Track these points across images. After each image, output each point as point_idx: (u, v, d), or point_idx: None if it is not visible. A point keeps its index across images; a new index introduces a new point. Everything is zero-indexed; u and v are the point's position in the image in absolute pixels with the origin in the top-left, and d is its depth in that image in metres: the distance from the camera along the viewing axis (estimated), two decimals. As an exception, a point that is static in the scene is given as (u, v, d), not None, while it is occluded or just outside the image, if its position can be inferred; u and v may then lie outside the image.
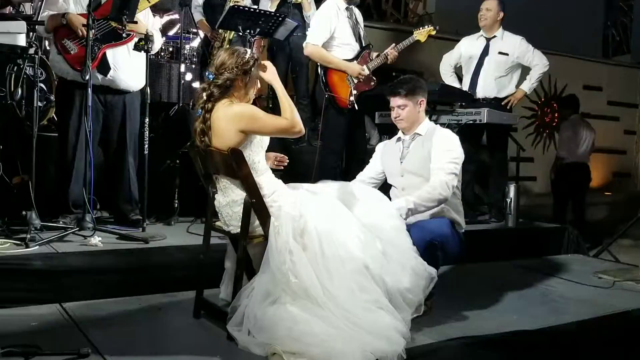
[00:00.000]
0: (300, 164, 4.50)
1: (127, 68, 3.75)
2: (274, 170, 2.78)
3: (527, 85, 4.86)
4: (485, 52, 4.84)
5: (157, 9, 5.04)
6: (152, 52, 3.78)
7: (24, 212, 3.32)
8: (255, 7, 4.75)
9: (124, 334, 2.55)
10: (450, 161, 3.01)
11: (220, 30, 4.72)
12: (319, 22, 4.31)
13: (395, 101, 3.12)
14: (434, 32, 4.44)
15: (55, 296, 2.88)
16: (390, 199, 3.22)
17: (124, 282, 3.07)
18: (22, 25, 3.20)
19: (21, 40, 3.15)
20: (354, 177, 3.34)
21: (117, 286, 3.04)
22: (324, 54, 4.28)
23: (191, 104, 4.82)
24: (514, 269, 4.16)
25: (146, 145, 3.70)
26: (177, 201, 4.15)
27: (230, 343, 2.41)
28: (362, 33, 4.45)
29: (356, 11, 4.49)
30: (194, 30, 5.28)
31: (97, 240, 3.26)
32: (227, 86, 2.60)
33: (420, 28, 4.47)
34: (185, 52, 5.45)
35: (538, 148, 8.13)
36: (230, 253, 2.85)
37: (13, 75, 3.63)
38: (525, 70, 4.92)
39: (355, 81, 4.30)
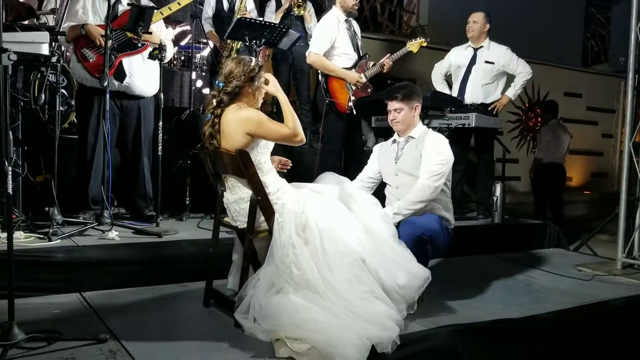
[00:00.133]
0: (302, 164, 4.51)
1: (142, 75, 3.74)
2: (278, 171, 2.79)
3: (512, 92, 4.87)
4: (472, 61, 4.85)
5: (170, 21, 5.05)
6: (165, 61, 3.78)
7: (46, 208, 3.32)
8: (261, 19, 4.76)
9: (139, 321, 2.55)
10: (437, 163, 3.00)
11: (228, 41, 4.73)
12: (321, 33, 4.31)
13: (392, 105, 3.13)
14: (425, 44, 4.45)
15: (75, 286, 2.89)
16: (385, 196, 3.24)
17: (139, 273, 3.07)
18: (45, 35, 3.19)
19: (44, 50, 3.14)
20: (353, 177, 3.34)
21: (133, 277, 3.04)
22: (325, 62, 4.29)
23: (201, 108, 4.82)
24: (499, 262, 4.16)
25: (160, 147, 3.70)
26: (188, 198, 4.15)
27: (237, 330, 2.42)
28: (359, 43, 4.46)
29: (354, 23, 4.50)
30: (204, 40, 5.27)
31: (114, 235, 3.26)
32: (236, 93, 2.60)
33: (413, 40, 4.49)
34: (196, 60, 5.44)
35: (522, 150, 8.13)
36: (238, 246, 2.85)
37: (37, 81, 3.63)
38: (510, 78, 4.92)
39: (354, 88, 4.31)
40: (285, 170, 2.89)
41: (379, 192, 3.27)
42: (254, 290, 2.44)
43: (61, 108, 3.84)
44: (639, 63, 4.11)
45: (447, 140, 3.13)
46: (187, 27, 5.55)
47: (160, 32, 3.89)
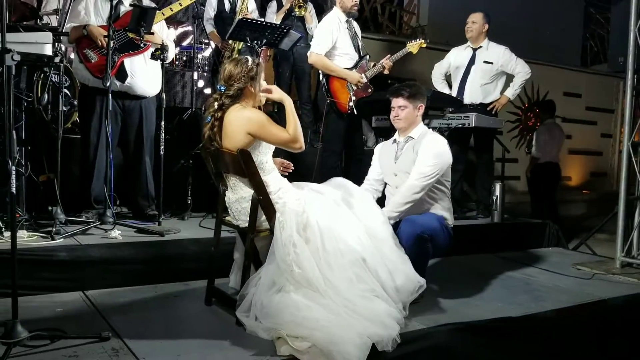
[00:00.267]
0: (302, 164, 4.50)
1: (143, 75, 3.75)
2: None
3: (511, 92, 4.86)
4: (471, 61, 4.84)
5: (171, 21, 5.05)
6: (167, 61, 3.78)
7: (49, 208, 3.33)
8: (262, 19, 4.76)
9: (141, 319, 2.56)
10: (429, 165, 2.99)
11: (230, 41, 4.73)
12: (322, 33, 4.31)
13: (397, 101, 3.13)
14: (424, 45, 4.45)
15: (78, 284, 2.89)
16: (385, 196, 3.24)
17: (142, 271, 3.08)
18: (48, 35, 3.19)
19: (47, 50, 3.14)
20: (353, 176, 3.34)
21: (135, 275, 3.04)
22: (327, 62, 4.29)
23: (203, 108, 4.82)
24: (499, 261, 4.16)
25: (162, 147, 3.70)
26: (190, 198, 4.15)
27: (239, 328, 2.42)
28: (360, 44, 4.47)
29: (355, 24, 4.51)
30: (206, 40, 5.27)
31: (117, 234, 3.27)
32: (239, 94, 2.61)
33: (413, 41, 4.48)
34: (198, 61, 5.44)
35: (522, 150, 8.12)
36: (239, 245, 2.85)
37: (40, 81, 3.64)
38: (509, 78, 4.92)
39: (355, 88, 4.31)
40: (287, 174, 2.89)
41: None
42: (255, 289, 2.44)
43: (64, 108, 3.85)
44: (637, 63, 4.11)
45: (445, 142, 3.12)
46: (189, 28, 5.55)
47: (162, 32, 3.89)
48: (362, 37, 4.55)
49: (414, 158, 3.06)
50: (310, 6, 5.20)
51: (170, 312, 2.72)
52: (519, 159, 7.86)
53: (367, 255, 2.55)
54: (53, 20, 4.78)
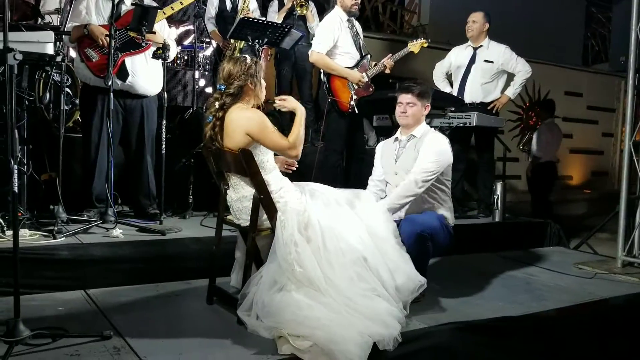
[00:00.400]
0: (303, 163, 4.47)
1: (144, 74, 3.75)
2: (282, 172, 2.79)
3: (511, 91, 4.86)
4: (472, 60, 4.84)
5: (173, 21, 5.05)
6: (169, 60, 3.78)
7: (51, 206, 3.33)
8: (264, 18, 4.76)
9: (143, 318, 2.56)
10: (431, 162, 3.00)
11: (231, 40, 4.73)
12: (323, 32, 4.31)
13: (405, 97, 3.13)
14: (426, 45, 4.45)
15: (80, 283, 2.90)
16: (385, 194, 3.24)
17: (143, 270, 3.08)
18: (50, 35, 3.19)
19: (49, 49, 3.14)
20: (354, 175, 3.34)
21: (136, 274, 3.04)
22: (328, 61, 4.29)
23: (204, 107, 4.82)
24: (500, 260, 4.16)
25: (163, 145, 3.70)
26: (191, 197, 4.15)
27: (240, 327, 2.43)
28: (361, 43, 4.46)
29: (356, 23, 4.50)
30: (207, 40, 5.27)
31: (118, 232, 3.27)
32: (239, 92, 2.61)
33: (414, 40, 4.48)
34: (199, 60, 5.45)
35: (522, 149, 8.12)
36: (240, 244, 2.85)
37: (42, 80, 3.64)
38: (510, 77, 4.91)
39: (356, 87, 4.31)
40: (291, 171, 2.89)
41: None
42: (256, 288, 2.44)
43: (65, 107, 3.85)
44: (639, 62, 4.10)
45: (447, 140, 3.12)
46: (190, 27, 5.55)
47: (163, 31, 3.89)
48: (363, 36, 4.55)
49: (416, 156, 3.06)
50: (311, 5, 5.21)
51: (172, 311, 2.72)
52: (520, 158, 7.84)
53: (368, 254, 2.55)
54: (54, 19, 4.78)
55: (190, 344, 2.30)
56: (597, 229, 4.98)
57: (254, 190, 2.55)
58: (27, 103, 3.21)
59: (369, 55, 4.44)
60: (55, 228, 3.15)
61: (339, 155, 4.47)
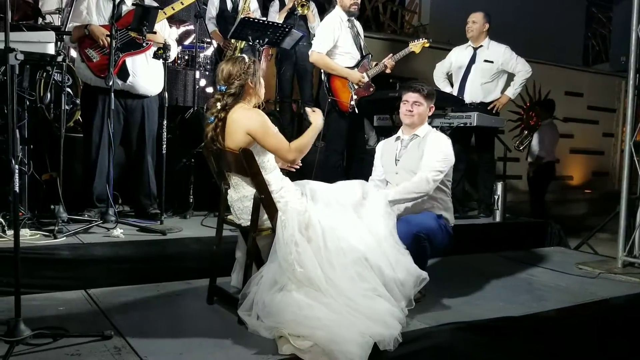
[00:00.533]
0: (303, 164, 4.48)
1: (145, 74, 3.75)
2: (285, 171, 2.79)
3: (511, 91, 4.86)
4: (472, 60, 4.84)
5: (173, 21, 5.05)
6: (169, 60, 3.78)
7: (52, 206, 3.33)
8: (264, 18, 4.76)
9: (143, 318, 2.56)
10: (439, 160, 3.01)
11: (232, 40, 4.73)
12: (324, 32, 4.31)
13: (412, 97, 3.13)
14: (427, 45, 4.45)
15: (80, 283, 2.90)
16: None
17: (144, 270, 3.08)
18: (51, 35, 3.19)
19: (50, 49, 3.14)
20: (355, 175, 3.34)
21: (137, 274, 3.04)
22: (328, 61, 4.29)
23: (205, 107, 4.83)
24: (500, 260, 4.16)
25: (164, 145, 3.70)
26: (192, 196, 4.15)
27: (240, 327, 2.43)
28: (362, 43, 4.46)
29: (357, 23, 4.50)
30: (208, 40, 5.27)
31: (119, 232, 3.27)
32: (240, 92, 2.61)
33: (416, 40, 4.48)
34: (200, 60, 5.44)
35: (523, 149, 8.11)
36: (241, 244, 2.85)
37: (42, 80, 3.64)
38: (510, 77, 4.91)
39: (356, 87, 4.31)
40: (294, 170, 2.89)
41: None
42: (257, 288, 2.44)
43: (66, 107, 3.84)
44: (639, 63, 4.10)
45: (449, 141, 3.12)
46: (191, 27, 5.55)
47: (164, 31, 3.89)
48: (363, 36, 4.55)
49: (419, 155, 3.06)
50: (312, 5, 5.20)
51: (172, 310, 2.72)
52: (520, 158, 7.84)
53: (370, 254, 2.54)
54: (55, 19, 4.78)
55: (191, 343, 2.29)
56: (598, 229, 4.98)
57: (254, 190, 2.55)
58: (28, 103, 3.21)
59: (369, 55, 4.44)
60: (56, 228, 3.15)
61: (340, 155, 4.47)
